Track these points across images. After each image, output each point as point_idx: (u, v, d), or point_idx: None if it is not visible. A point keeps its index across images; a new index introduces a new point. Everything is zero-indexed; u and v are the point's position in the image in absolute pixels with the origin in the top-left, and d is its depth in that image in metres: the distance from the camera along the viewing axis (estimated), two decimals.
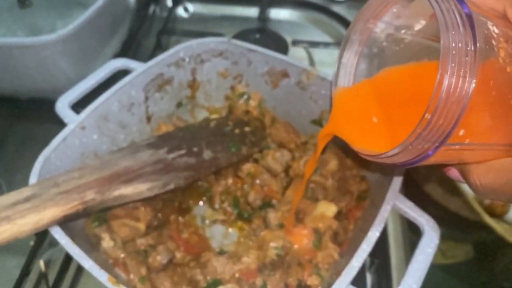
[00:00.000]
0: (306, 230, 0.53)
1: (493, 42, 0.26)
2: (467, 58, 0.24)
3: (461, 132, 0.26)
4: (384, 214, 0.45)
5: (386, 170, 0.52)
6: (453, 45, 0.24)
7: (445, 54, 0.25)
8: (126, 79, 0.58)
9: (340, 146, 0.61)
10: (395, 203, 0.47)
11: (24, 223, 0.41)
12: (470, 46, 0.24)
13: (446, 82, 0.24)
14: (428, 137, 0.26)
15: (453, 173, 0.33)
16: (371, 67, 0.38)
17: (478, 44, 0.24)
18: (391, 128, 0.35)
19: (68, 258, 0.57)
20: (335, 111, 0.40)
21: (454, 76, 0.24)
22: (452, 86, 0.24)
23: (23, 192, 0.43)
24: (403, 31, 0.36)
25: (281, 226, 0.55)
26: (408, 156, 0.28)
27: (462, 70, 0.24)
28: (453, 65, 0.24)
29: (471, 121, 0.26)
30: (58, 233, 0.43)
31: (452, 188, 0.65)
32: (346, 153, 0.60)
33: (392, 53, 0.37)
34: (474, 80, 0.24)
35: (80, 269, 0.58)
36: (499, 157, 0.29)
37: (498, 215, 0.68)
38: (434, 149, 0.26)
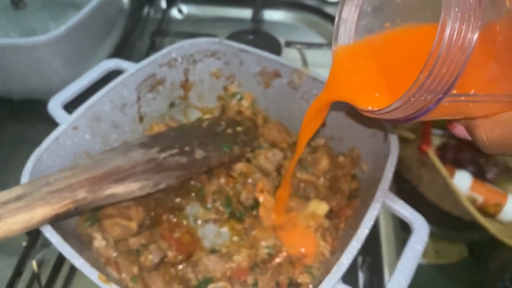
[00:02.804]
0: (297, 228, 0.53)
1: None
2: (471, 1, 0.22)
3: (466, 82, 0.24)
4: (373, 212, 0.45)
5: (377, 167, 0.52)
6: None
7: None
8: (118, 79, 0.58)
9: (331, 146, 0.61)
10: (385, 200, 0.47)
11: (15, 222, 0.41)
12: None
13: (449, 27, 0.22)
14: (431, 88, 0.24)
15: (459, 130, 0.32)
16: (372, 23, 0.36)
17: None
18: (393, 84, 0.33)
19: (61, 259, 0.57)
20: (335, 68, 0.38)
21: (458, 21, 0.22)
22: (456, 32, 0.22)
23: (14, 191, 0.43)
24: None
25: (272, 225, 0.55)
26: (411, 110, 0.27)
27: (466, 14, 0.22)
28: (456, 9, 0.22)
29: (476, 69, 0.24)
30: (49, 232, 0.43)
31: (446, 188, 0.65)
32: (337, 153, 0.61)
33: (394, 6, 0.35)
34: (479, 25, 0.22)
35: (73, 269, 0.58)
36: (506, 109, 0.27)
37: (491, 215, 0.69)
38: (437, 101, 0.25)
